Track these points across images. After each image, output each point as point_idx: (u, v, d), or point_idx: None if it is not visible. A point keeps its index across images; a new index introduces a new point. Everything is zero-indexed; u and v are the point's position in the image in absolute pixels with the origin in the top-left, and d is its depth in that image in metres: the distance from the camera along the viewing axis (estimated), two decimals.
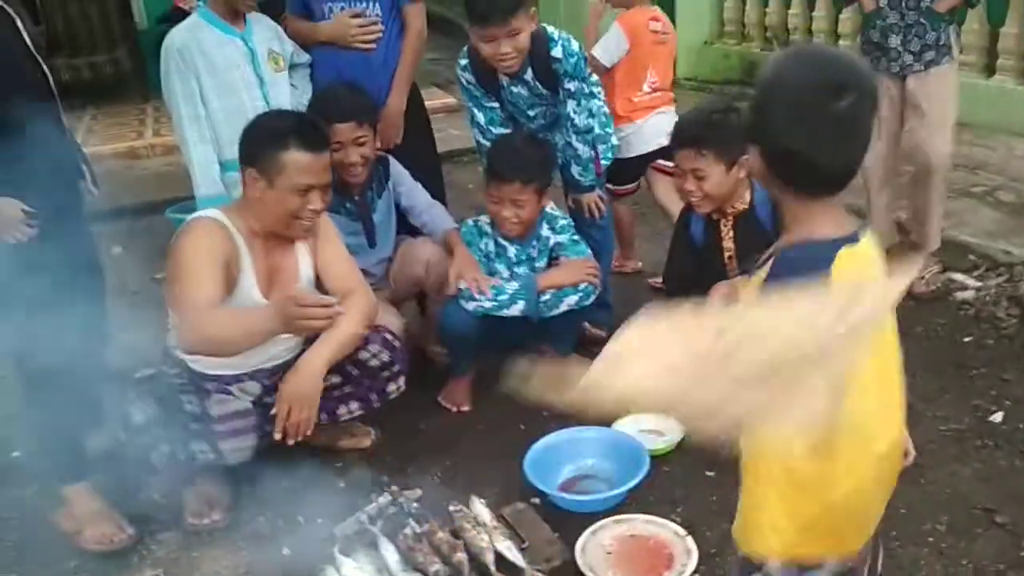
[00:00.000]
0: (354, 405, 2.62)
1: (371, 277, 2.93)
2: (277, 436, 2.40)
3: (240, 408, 2.42)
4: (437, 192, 3.31)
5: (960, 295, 3.46)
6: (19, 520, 2.55)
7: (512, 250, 2.98)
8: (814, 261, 1.27)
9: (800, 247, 1.32)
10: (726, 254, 2.72)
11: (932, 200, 3.42)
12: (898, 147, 3.49)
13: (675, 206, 3.78)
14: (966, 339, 3.18)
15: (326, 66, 3.17)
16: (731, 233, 2.70)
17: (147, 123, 6.92)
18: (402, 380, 2.67)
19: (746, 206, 2.66)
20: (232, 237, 2.41)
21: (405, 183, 3.13)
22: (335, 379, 2.56)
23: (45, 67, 2.44)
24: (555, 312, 2.88)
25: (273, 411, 2.39)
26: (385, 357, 2.61)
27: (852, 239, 1.32)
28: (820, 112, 1.28)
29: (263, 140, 2.40)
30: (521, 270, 2.98)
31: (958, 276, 3.58)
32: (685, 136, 2.62)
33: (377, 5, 3.12)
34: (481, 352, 3.04)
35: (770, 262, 1.34)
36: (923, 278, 3.46)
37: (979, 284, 3.50)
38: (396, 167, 3.13)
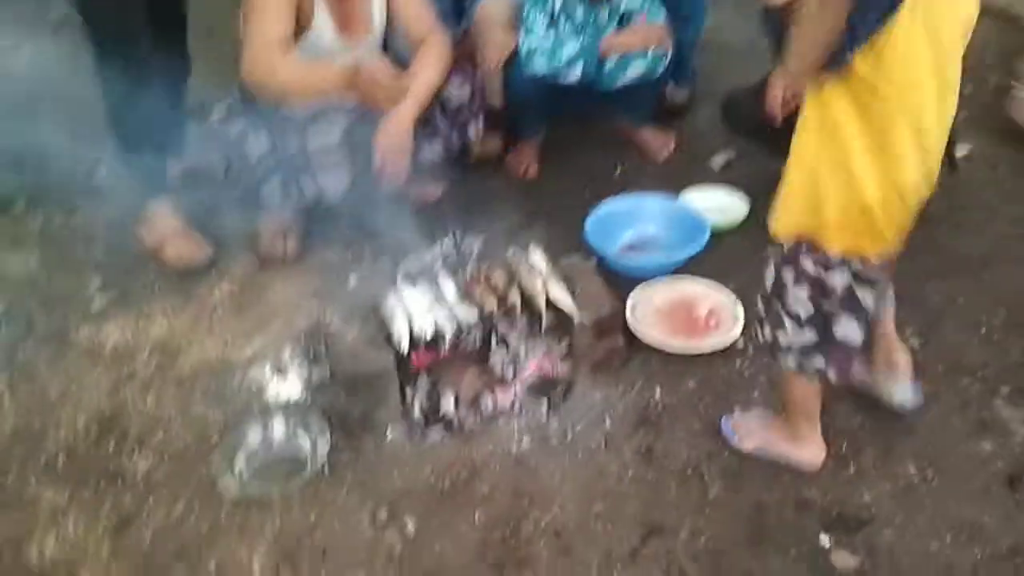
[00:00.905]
0: (437, 145, 2.65)
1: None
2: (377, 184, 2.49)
3: (333, 142, 2.47)
4: None
5: None
6: (106, 235, 2.72)
7: (580, 10, 2.80)
8: None
9: None
10: None
11: None
12: None
13: None
14: None
15: None
16: None
17: None
18: (481, 120, 2.69)
19: None
20: None
21: None
22: None
23: None
24: (620, 82, 2.80)
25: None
26: (466, 94, 2.62)
27: None
28: None
29: None
30: (586, 35, 2.81)
31: None
32: None
33: None
34: (551, 118, 3.02)
35: None
36: None
37: None
38: None
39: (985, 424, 1.97)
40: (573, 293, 2.16)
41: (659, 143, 3.09)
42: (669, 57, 2.86)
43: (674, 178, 2.90)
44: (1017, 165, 2.91)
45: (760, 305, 1.73)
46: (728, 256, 2.55)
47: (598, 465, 1.93)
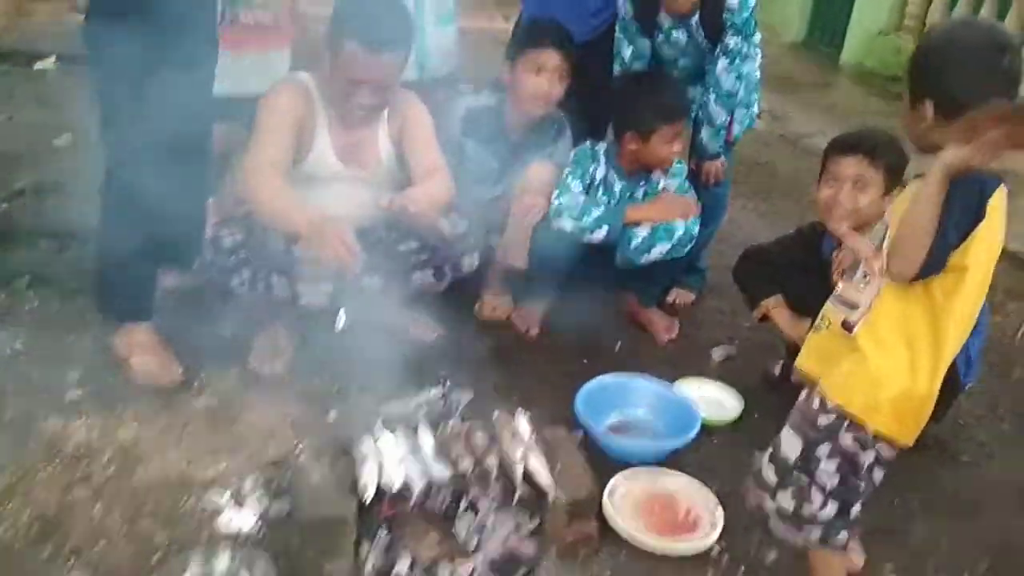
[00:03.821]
0: (428, 273, 2.65)
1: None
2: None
3: None
4: (600, 131, 3.18)
5: None
6: (98, 327, 2.64)
7: (619, 184, 2.93)
8: (982, 187, 1.58)
9: (972, 174, 1.54)
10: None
11: None
12: None
13: None
14: None
15: None
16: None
17: None
18: (476, 256, 2.70)
19: None
20: (313, 101, 2.51)
21: (561, 158, 2.99)
22: (413, 244, 2.62)
23: None
24: (646, 258, 2.83)
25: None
26: (462, 228, 2.66)
27: (1003, 180, 1.62)
28: (990, 67, 1.61)
29: (339, 19, 2.42)
30: (616, 202, 2.92)
31: None
32: (860, 143, 2.45)
33: None
34: (563, 286, 3.04)
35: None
36: None
37: None
38: (567, 142, 3.03)
39: None
40: (553, 468, 2.10)
41: (663, 326, 3.09)
42: (695, 240, 2.90)
43: (672, 364, 2.89)
44: (1017, 407, 2.88)
45: (773, 474, 1.77)
46: (716, 454, 2.50)
47: None
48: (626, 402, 2.61)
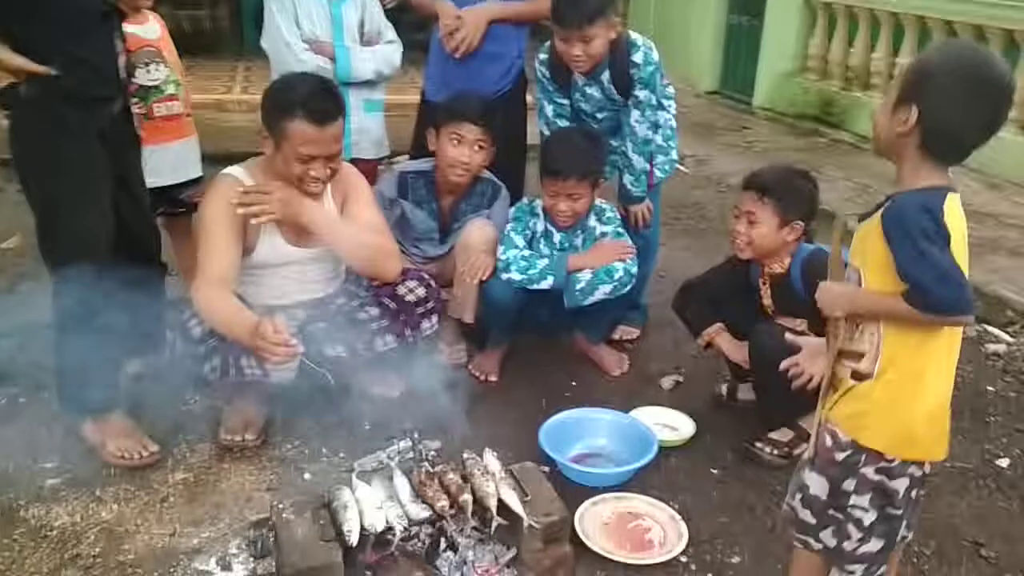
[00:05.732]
0: (390, 338, 2.79)
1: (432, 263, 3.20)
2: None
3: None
4: (517, 186, 3.47)
5: (991, 347, 3.51)
6: (67, 419, 2.68)
7: (558, 236, 3.11)
8: (929, 201, 1.56)
9: (915, 192, 1.59)
10: (765, 304, 2.81)
11: None
12: None
13: None
14: (988, 388, 3.23)
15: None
16: (768, 291, 2.79)
17: (237, 79, 7.24)
18: (436, 318, 2.84)
19: (783, 270, 2.71)
20: None
21: (499, 220, 3.18)
22: (373, 311, 2.75)
23: None
24: (590, 300, 2.99)
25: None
26: (421, 292, 2.81)
27: (953, 188, 1.61)
28: (988, 103, 1.57)
29: (275, 103, 2.56)
30: (559, 251, 3.09)
31: (993, 329, 3.63)
32: (752, 181, 2.68)
33: None
34: (515, 332, 3.20)
35: (882, 208, 1.60)
36: None
37: (1012, 340, 3.55)
38: (504, 202, 3.24)
39: None
40: (524, 496, 2.22)
41: (613, 362, 3.25)
42: (635, 279, 3.06)
43: (626, 396, 3.05)
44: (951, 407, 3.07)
45: (810, 516, 1.77)
46: (675, 472, 2.65)
47: None
48: (586, 434, 2.76)
